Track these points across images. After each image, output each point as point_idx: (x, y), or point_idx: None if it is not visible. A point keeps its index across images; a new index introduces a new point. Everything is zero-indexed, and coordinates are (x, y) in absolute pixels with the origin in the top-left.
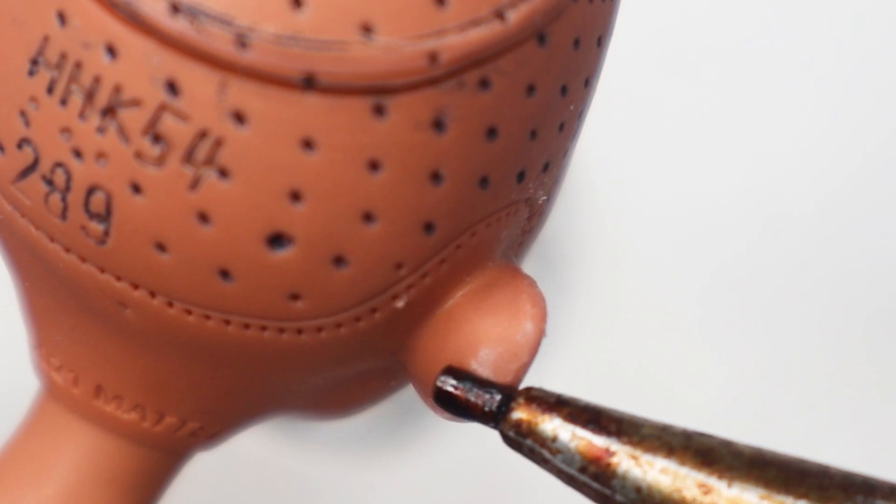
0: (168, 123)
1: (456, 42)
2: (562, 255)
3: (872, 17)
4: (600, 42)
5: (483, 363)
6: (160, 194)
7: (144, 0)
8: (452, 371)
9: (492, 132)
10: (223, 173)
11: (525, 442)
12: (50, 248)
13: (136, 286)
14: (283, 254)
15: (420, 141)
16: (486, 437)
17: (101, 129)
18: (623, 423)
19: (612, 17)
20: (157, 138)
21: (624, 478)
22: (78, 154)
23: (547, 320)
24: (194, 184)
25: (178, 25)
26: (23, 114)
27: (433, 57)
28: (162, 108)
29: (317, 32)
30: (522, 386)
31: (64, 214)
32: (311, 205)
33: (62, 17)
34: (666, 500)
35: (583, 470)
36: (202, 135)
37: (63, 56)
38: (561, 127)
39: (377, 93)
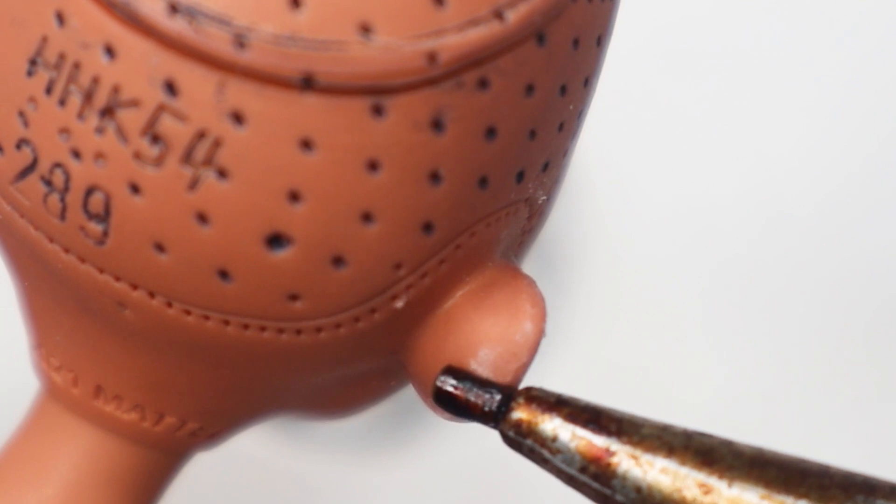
0: (167, 124)
1: (455, 42)
2: (562, 255)
3: (872, 17)
4: (600, 42)
5: (483, 363)
6: (159, 195)
7: (143, 0)
8: (452, 371)
9: (491, 132)
10: (222, 173)
11: (525, 442)
12: (49, 248)
13: (135, 286)
14: (282, 254)
15: (419, 141)
16: (486, 437)
17: (99, 130)
18: (623, 423)
19: (612, 16)
20: (155, 139)
21: (624, 478)
22: (77, 154)
23: (547, 320)
24: (193, 184)
25: (176, 25)
26: (21, 114)
27: (432, 57)
28: (160, 108)
29: (315, 32)
30: (522, 386)
31: (63, 215)
32: (310, 205)
33: (61, 18)
34: (666, 499)
35: (583, 470)
36: (201, 135)
37: (62, 56)
38: (560, 127)
39: (376, 93)
